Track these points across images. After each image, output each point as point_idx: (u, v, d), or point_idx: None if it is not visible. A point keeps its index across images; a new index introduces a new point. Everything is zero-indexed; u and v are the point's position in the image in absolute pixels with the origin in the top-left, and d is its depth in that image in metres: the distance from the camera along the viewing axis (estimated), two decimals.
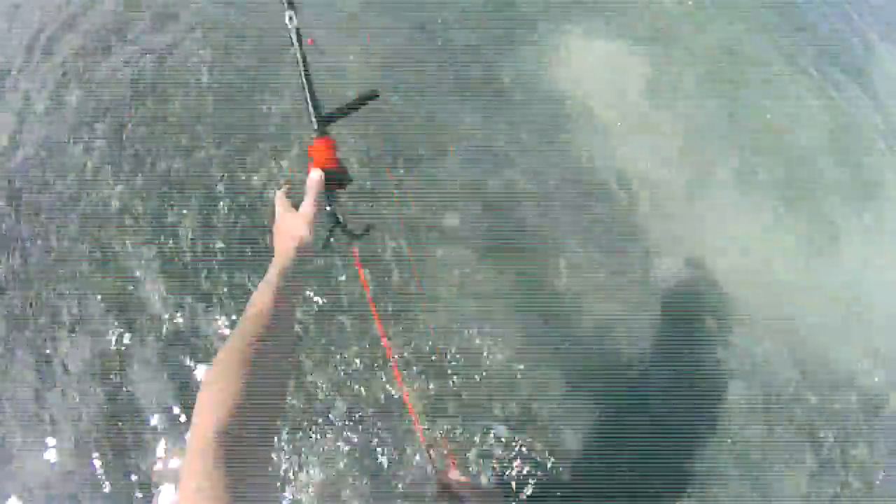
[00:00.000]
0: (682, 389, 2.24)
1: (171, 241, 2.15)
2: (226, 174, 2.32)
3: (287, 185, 1.04)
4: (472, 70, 2.90)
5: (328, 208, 1.02)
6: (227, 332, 2.00)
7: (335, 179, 1.03)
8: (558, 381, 2.11)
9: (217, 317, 2.03)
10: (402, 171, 2.45)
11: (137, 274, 2.08)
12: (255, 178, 2.32)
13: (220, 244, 2.15)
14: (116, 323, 1.99)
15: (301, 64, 1.09)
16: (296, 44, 1.12)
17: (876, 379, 2.54)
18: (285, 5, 1.12)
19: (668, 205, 2.72)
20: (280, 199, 1.00)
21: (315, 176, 0.98)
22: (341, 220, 1.02)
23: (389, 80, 2.69)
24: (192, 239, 2.16)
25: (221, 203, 2.24)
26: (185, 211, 2.22)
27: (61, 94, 2.58)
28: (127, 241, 2.15)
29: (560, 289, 2.31)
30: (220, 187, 2.28)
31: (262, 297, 0.82)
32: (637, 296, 2.42)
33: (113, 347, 1.96)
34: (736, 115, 3.19)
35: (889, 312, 2.77)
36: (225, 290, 2.08)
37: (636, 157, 2.81)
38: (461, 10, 3.13)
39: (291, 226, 0.94)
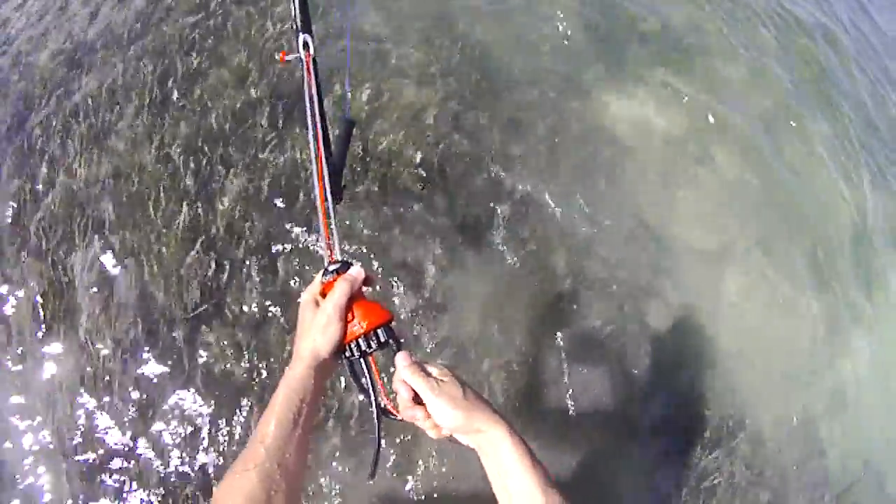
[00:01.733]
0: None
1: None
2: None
3: (321, 292, 0.87)
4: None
5: (367, 393, 0.82)
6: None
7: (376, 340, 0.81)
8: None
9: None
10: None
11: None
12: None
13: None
14: None
15: (313, 117, 0.96)
16: (310, 84, 0.99)
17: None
18: (298, 27, 0.95)
19: (685, 262, 2.69)
20: (308, 300, 0.87)
21: (338, 301, 0.81)
22: (373, 399, 0.82)
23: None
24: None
25: None
26: None
27: None
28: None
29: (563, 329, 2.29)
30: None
31: (265, 426, 0.76)
32: (634, 348, 2.36)
33: None
34: (768, 185, 3.14)
35: (883, 424, 2.74)
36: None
37: (664, 210, 2.80)
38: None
39: (309, 336, 0.82)
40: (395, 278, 2.15)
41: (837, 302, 2.93)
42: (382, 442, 0.83)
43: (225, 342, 1.93)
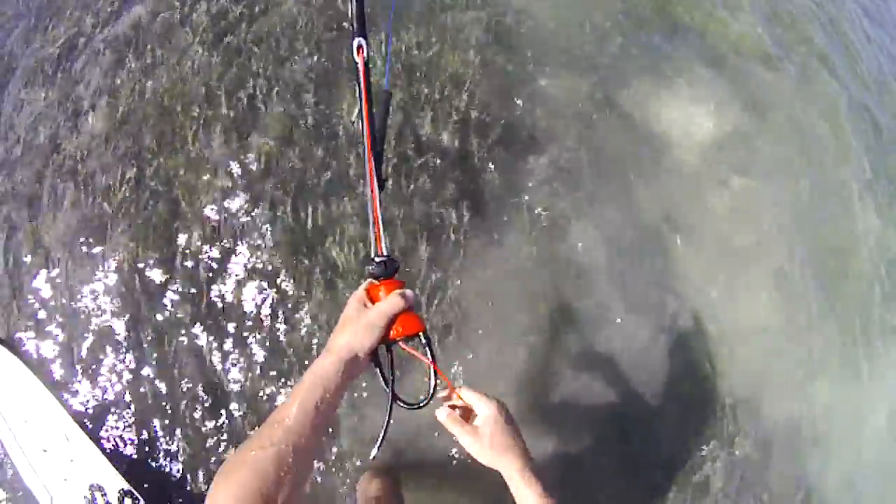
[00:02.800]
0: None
1: None
2: None
3: (367, 293, 0.94)
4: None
5: (386, 381, 0.90)
6: None
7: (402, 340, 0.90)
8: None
9: None
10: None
11: None
12: None
13: None
14: None
15: (365, 122, 0.98)
16: (364, 87, 1.01)
17: None
18: (354, 30, 0.97)
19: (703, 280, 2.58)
20: (358, 297, 0.93)
21: (391, 309, 0.88)
22: (391, 388, 0.90)
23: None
24: None
25: None
26: None
27: None
28: None
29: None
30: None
31: (286, 409, 0.78)
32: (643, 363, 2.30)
33: None
34: (802, 214, 2.99)
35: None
36: None
37: (691, 224, 2.68)
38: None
39: (351, 329, 0.87)
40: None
41: (853, 331, 2.85)
42: (390, 427, 0.90)
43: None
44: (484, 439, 0.86)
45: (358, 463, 1.88)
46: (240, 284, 1.99)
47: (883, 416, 2.78)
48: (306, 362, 1.94)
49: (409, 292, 0.91)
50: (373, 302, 0.91)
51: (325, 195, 2.13)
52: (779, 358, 2.60)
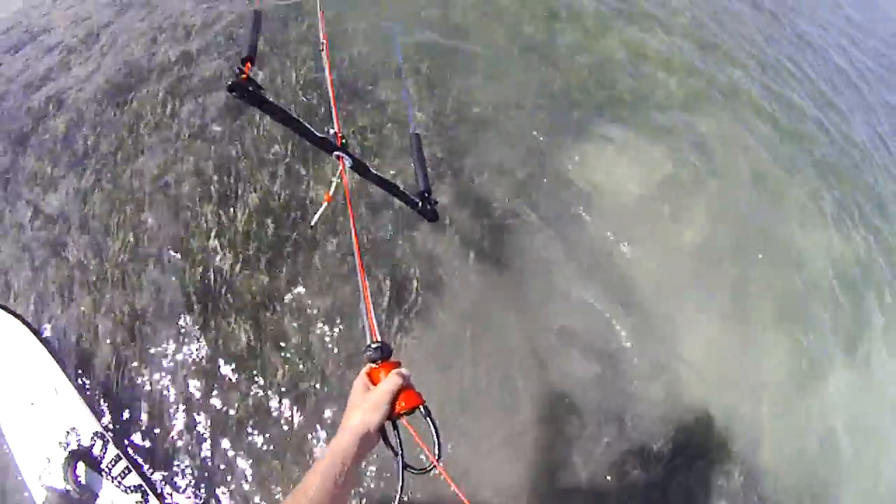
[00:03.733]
0: None
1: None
2: None
3: (368, 376, 1.06)
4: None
5: (395, 451, 1.00)
6: None
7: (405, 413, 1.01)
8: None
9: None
10: None
11: None
12: None
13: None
14: None
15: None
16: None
17: None
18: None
19: (659, 308, 2.82)
20: (361, 381, 1.04)
21: (392, 387, 0.99)
22: (400, 456, 1.00)
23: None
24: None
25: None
26: None
27: None
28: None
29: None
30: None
31: (310, 482, 0.88)
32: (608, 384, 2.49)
33: None
34: (745, 234, 3.29)
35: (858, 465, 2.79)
36: None
37: (641, 254, 2.95)
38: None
39: (360, 410, 0.98)
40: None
41: (810, 344, 3.04)
42: (403, 491, 1.00)
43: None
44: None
45: None
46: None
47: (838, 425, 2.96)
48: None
49: (404, 371, 1.03)
50: (374, 383, 1.03)
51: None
52: (733, 376, 2.79)
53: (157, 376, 2.20)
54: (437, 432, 0.98)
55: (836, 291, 3.33)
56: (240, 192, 2.61)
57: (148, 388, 2.18)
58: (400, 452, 0.99)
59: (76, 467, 1.95)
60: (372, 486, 2.07)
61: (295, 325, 2.33)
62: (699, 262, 3.06)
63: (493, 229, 2.79)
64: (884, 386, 3.17)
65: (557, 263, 2.78)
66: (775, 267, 3.26)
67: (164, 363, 2.23)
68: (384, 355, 1.07)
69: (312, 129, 1.35)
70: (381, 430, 0.99)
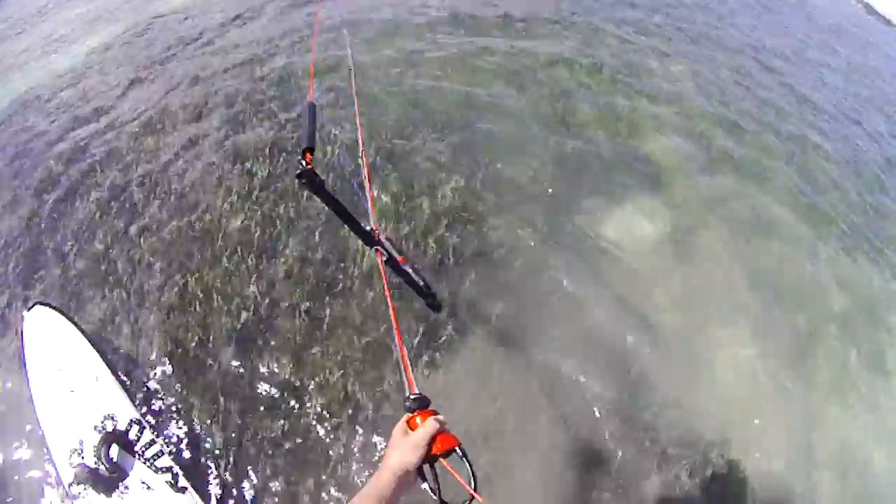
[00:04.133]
0: None
1: None
2: None
3: (407, 423, 1.13)
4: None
5: (433, 490, 1.07)
6: None
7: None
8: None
9: None
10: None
11: None
12: None
13: None
14: None
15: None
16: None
17: None
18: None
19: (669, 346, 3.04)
20: (400, 426, 1.12)
21: (429, 430, 1.07)
22: (438, 494, 1.07)
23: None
24: None
25: None
26: None
27: None
28: None
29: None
30: None
31: None
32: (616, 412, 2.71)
33: None
34: (756, 273, 3.52)
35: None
36: None
37: (657, 295, 3.24)
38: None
39: (399, 451, 1.06)
40: None
41: (832, 378, 3.22)
42: None
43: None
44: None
45: None
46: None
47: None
48: None
49: (441, 417, 1.11)
50: (412, 428, 1.11)
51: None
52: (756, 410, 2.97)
53: (198, 393, 2.50)
54: (472, 470, 1.04)
55: (855, 324, 3.54)
56: (281, 247, 2.93)
57: (190, 401, 2.47)
58: (438, 490, 1.07)
59: (109, 448, 2.22)
60: None
61: (330, 363, 2.62)
62: (714, 300, 3.32)
63: (515, 272, 3.10)
64: None
65: (578, 306, 3.06)
66: (792, 301, 3.50)
67: (204, 381, 2.52)
68: (422, 406, 1.15)
69: (358, 222, 1.52)
70: (420, 471, 1.06)
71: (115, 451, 2.25)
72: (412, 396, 1.16)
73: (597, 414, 2.69)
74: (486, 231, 3.27)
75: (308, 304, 2.74)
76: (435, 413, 1.13)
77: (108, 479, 2.24)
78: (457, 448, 1.08)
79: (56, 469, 2.34)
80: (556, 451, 2.55)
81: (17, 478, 2.44)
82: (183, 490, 2.18)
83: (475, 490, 1.04)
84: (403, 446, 1.05)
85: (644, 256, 3.43)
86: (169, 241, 2.87)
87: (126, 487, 2.23)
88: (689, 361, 3.04)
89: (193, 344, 2.56)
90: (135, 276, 2.70)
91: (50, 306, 2.56)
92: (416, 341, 2.72)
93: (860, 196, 4.94)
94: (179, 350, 2.55)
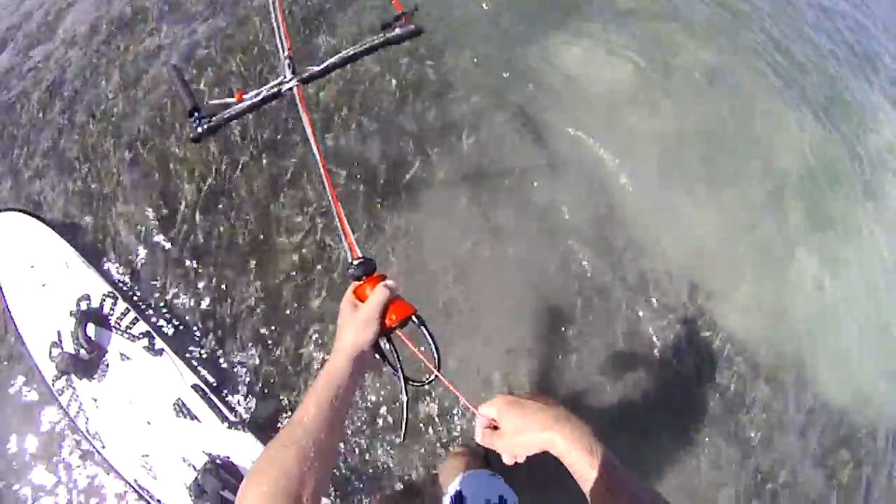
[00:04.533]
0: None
1: None
2: None
3: (355, 294, 1.01)
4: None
5: (394, 367, 0.97)
6: None
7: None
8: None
9: None
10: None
11: None
12: None
13: None
14: None
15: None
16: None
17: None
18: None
19: (639, 208, 2.90)
20: (348, 299, 1.00)
21: (380, 299, 0.94)
22: (399, 371, 0.97)
23: None
24: None
25: None
26: None
27: None
28: None
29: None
30: None
31: (304, 409, 0.85)
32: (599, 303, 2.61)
33: None
34: (717, 129, 3.34)
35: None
36: None
37: (614, 154, 3.03)
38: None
39: (350, 328, 0.94)
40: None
41: (788, 231, 3.17)
42: (409, 411, 0.98)
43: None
44: (507, 435, 0.86)
45: (388, 447, 2.12)
46: None
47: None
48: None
49: (390, 282, 0.98)
50: (361, 300, 0.98)
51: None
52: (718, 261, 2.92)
53: (166, 258, 2.37)
54: (433, 340, 0.95)
55: (804, 181, 3.42)
56: None
57: (159, 267, 2.35)
58: (399, 367, 0.96)
59: (86, 327, 2.09)
60: (372, 404, 2.16)
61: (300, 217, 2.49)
62: (668, 148, 3.16)
63: (472, 108, 2.91)
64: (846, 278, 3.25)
65: (529, 154, 2.88)
66: (745, 156, 3.35)
67: (172, 246, 2.40)
68: (368, 271, 1.01)
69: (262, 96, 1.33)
70: (376, 347, 0.96)
71: (91, 329, 2.11)
72: (355, 262, 1.02)
73: (562, 273, 2.59)
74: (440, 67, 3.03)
75: (268, 158, 2.59)
76: (384, 278, 1.00)
77: (88, 361, 2.10)
78: (413, 316, 0.96)
79: (38, 369, 2.22)
80: (523, 315, 2.45)
81: None
82: (160, 352, 2.03)
83: (438, 363, 0.95)
84: (354, 323, 0.94)
85: (611, 93, 3.24)
86: (116, 120, 2.71)
87: (106, 365, 2.10)
88: (659, 205, 2.93)
89: (159, 213, 2.42)
90: (90, 161, 2.58)
91: (12, 209, 2.45)
92: (359, 189, 2.55)
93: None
94: (146, 220, 2.41)
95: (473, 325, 2.40)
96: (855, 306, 3.10)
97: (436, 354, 0.96)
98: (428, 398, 2.22)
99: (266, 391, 2.16)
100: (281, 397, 2.19)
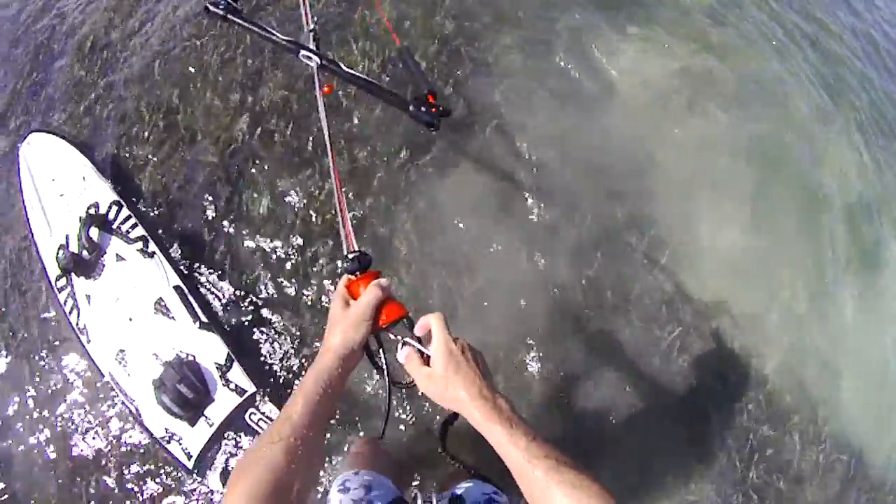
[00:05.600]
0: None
1: None
2: None
3: (348, 290, 0.99)
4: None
5: (381, 368, 0.96)
6: None
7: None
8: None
9: None
10: None
11: None
12: None
13: None
14: None
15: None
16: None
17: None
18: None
19: (669, 204, 2.82)
20: (340, 295, 0.98)
21: (373, 301, 0.93)
22: (385, 373, 0.96)
23: None
24: None
25: None
26: None
27: None
28: None
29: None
30: None
31: (293, 406, 0.84)
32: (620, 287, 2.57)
33: None
34: (760, 146, 3.17)
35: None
36: None
37: (658, 146, 2.96)
38: None
39: (341, 327, 0.92)
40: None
41: (826, 262, 3.02)
42: (391, 409, 1.08)
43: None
44: (433, 375, 0.85)
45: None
46: None
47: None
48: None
49: (384, 281, 0.96)
50: (353, 297, 0.96)
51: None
52: (747, 287, 2.81)
53: (172, 171, 2.59)
54: (421, 344, 0.93)
55: (847, 210, 3.25)
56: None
57: (165, 179, 2.56)
58: (385, 368, 0.96)
59: (90, 230, 2.32)
60: (359, 402, 2.21)
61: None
62: (709, 159, 3.03)
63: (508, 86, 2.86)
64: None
65: (571, 144, 2.81)
66: (787, 176, 3.18)
67: (178, 157, 2.62)
68: (362, 266, 0.99)
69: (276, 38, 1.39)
70: (365, 347, 0.96)
71: (94, 232, 2.34)
72: (349, 256, 1.01)
73: (576, 270, 2.54)
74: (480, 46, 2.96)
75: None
76: (378, 276, 0.99)
77: (87, 261, 2.32)
78: (404, 319, 0.95)
79: (45, 268, 2.45)
80: (522, 311, 2.43)
81: (8, 286, 2.55)
82: (151, 255, 2.24)
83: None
84: (345, 322, 0.93)
85: (657, 93, 3.12)
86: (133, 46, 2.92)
87: (103, 265, 2.31)
88: (690, 216, 2.83)
89: (173, 134, 2.65)
90: (110, 78, 2.83)
91: (39, 131, 2.73)
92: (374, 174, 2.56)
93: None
94: (159, 138, 2.63)
95: (479, 318, 2.40)
96: (886, 348, 2.99)
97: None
98: (416, 399, 2.23)
99: (240, 299, 2.34)
100: (252, 307, 2.34)
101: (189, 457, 2.01)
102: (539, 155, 2.80)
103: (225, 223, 2.49)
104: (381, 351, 0.98)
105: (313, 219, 2.51)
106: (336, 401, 0.90)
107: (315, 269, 2.37)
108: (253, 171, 2.62)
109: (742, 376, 2.62)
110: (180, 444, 2.04)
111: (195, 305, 2.12)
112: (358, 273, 0.99)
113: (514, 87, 2.94)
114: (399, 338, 0.93)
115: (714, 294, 2.69)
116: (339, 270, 0.92)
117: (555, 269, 2.55)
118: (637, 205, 2.78)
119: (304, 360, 2.27)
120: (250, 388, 2.02)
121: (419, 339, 0.93)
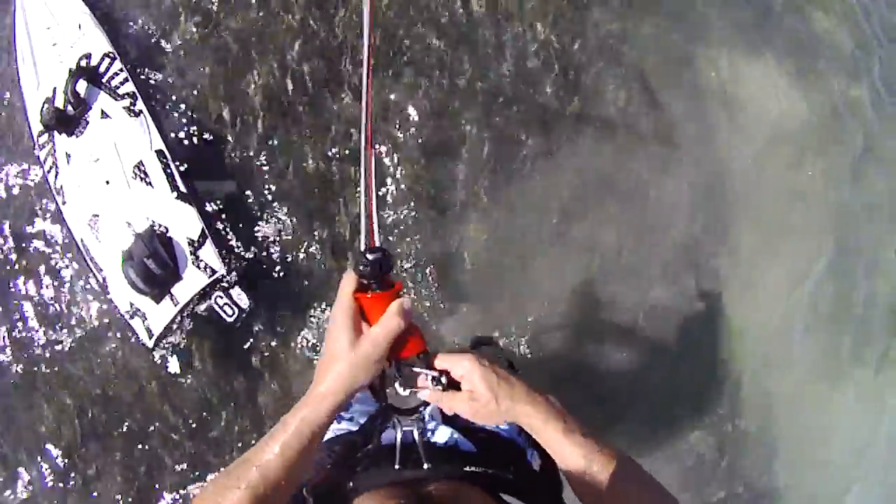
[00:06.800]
0: None
1: None
2: None
3: (359, 304, 0.74)
4: None
5: (383, 402, 0.85)
6: None
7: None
8: None
9: None
10: None
11: None
12: None
13: None
14: None
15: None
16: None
17: None
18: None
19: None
20: (346, 309, 0.73)
21: (390, 336, 0.72)
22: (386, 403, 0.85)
23: None
24: None
25: None
26: None
27: None
28: None
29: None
30: None
31: (264, 451, 0.69)
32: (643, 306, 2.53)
33: None
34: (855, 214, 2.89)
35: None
36: None
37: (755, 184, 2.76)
38: None
39: (345, 363, 0.71)
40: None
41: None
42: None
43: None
44: (482, 398, 0.74)
45: None
46: None
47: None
48: None
49: (406, 303, 0.73)
50: (365, 313, 0.74)
51: None
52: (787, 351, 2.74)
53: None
54: (438, 380, 0.76)
55: None
56: None
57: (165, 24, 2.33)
58: (384, 394, 0.82)
59: (77, 84, 2.11)
60: None
61: None
62: (795, 211, 2.80)
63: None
64: None
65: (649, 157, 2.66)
66: (866, 257, 2.87)
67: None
68: (383, 271, 0.74)
69: None
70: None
71: (82, 85, 2.12)
72: (369, 256, 0.73)
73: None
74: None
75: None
76: (398, 292, 0.75)
77: (71, 116, 2.12)
78: (420, 355, 0.76)
79: (28, 122, 2.27)
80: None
81: None
82: (138, 114, 2.03)
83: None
84: (352, 361, 0.70)
85: (768, 126, 2.81)
86: None
87: (87, 122, 2.11)
88: (755, 262, 2.71)
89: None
90: None
91: None
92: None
93: None
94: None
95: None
96: None
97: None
98: None
99: (225, 173, 2.14)
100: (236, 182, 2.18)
101: (150, 335, 1.85)
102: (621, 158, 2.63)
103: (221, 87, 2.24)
104: (381, 384, 0.81)
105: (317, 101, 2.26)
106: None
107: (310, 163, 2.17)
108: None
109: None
110: (144, 320, 1.88)
111: (175, 174, 1.91)
112: (374, 285, 0.74)
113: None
114: (426, 374, 0.76)
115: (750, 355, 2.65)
116: (350, 266, 0.67)
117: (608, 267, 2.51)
118: (699, 237, 2.66)
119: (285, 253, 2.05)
120: (220, 268, 1.83)
121: (442, 374, 0.77)
